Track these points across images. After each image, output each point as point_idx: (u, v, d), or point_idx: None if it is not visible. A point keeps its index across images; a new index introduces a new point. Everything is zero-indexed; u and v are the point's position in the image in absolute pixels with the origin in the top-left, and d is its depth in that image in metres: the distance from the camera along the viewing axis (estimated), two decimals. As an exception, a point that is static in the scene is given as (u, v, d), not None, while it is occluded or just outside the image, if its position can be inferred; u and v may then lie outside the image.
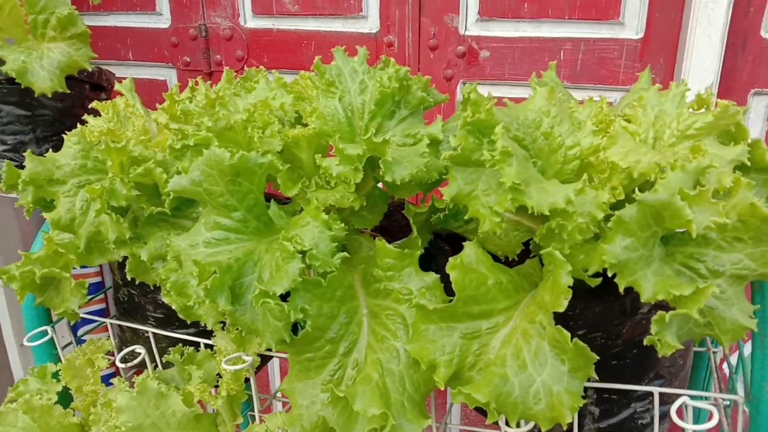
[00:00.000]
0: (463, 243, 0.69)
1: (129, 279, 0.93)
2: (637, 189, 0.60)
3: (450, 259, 0.67)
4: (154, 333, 1.00)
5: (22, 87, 1.14)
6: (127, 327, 1.05)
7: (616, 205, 0.62)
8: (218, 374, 0.94)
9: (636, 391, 0.74)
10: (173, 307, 0.84)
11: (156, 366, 1.03)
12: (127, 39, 2.00)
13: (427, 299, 0.72)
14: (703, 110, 0.71)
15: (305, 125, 0.81)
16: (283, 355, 0.81)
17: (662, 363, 0.75)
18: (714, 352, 0.89)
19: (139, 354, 0.99)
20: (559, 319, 0.62)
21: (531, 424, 0.69)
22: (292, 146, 0.79)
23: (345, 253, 0.74)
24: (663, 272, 0.59)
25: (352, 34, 1.73)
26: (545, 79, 0.85)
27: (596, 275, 0.64)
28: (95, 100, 1.04)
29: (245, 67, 1.86)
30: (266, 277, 0.71)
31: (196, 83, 1.02)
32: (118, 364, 1.00)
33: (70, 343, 1.17)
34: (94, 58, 1.25)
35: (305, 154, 0.80)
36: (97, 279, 2.04)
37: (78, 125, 1.00)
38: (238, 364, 0.86)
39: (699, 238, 0.62)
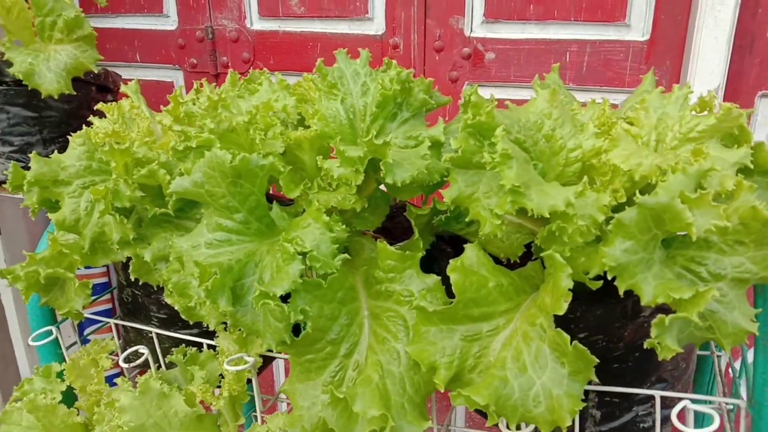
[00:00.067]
0: (464, 245, 0.69)
1: (133, 279, 0.94)
2: (638, 192, 0.60)
3: (450, 261, 0.67)
4: (157, 333, 1.01)
5: (29, 89, 1.16)
6: (131, 327, 1.06)
7: (618, 208, 0.62)
8: (221, 375, 0.94)
9: (638, 394, 0.73)
10: (176, 308, 0.84)
11: (159, 366, 1.03)
12: (134, 41, 2.01)
13: (427, 301, 0.72)
14: (706, 113, 0.70)
15: (308, 127, 0.82)
16: (286, 356, 0.81)
17: (664, 366, 0.74)
18: (718, 356, 0.89)
19: (143, 354, 1.00)
20: (561, 321, 0.62)
21: (531, 427, 0.69)
22: (294, 148, 0.80)
23: (346, 255, 0.74)
24: (663, 275, 0.59)
25: (357, 36, 1.74)
26: (548, 81, 0.85)
27: (597, 278, 0.64)
28: (101, 102, 1.05)
29: (251, 69, 1.87)
30: (267, 278, 0.71)
31: (201, 85, 1.02)
32: (121, 364, 1.01)
33: (74, 343, 1.18)
34: (101, 60, 1.26)
35: (307, 156, 0.80)
36: (104, 279, 2.05)
37: (84, 127, 1.01)
38: (240, 364, 0.87)
39: (700, 241, 0.62)
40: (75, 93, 1.20)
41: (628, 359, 0.72)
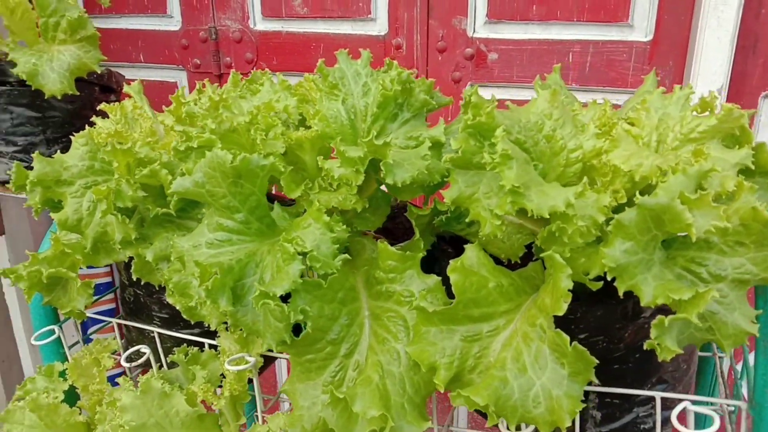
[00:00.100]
0: (465, 246, 0.69)
1: (135, 279, 0.94)
2: (639, 193, 0.60)
3: (450, 261, 0.67)
4: (159, 333, 1.01)
5: (33, 89, 1.16)
6: (133, 327, 1.06)
7: (619, 209, 0.62)
8: (222, 374, 0.95)
9: (638, 395, 0.73)
10: (177, 308, 0.85)
11: (161, 366, 1.04)
12: (138, 41, 2.02)
13: (428, 301, 0.72)
14: (707, 113, 0.70)
15: (309, 128, 0.82)
16: (287, 356, 0.81)
17: (665, 368, 0.74)
18: (720, 357, 0.88)
19: (144, 354, 1.00)
20: (561, 322, 0.62)
21: (531, 428, 0.69)
22: (295, 148, 0.80)
23: (346, 255, 0.74)
24: (663, 276, 0.59)
25: (360, 37, 1.74)
26: (548, 81, 0.85)
27: (598, 279, 0.64)
28: (104, 102, 1.05)
29: (254, 70, 1.87)
30: (267, 278, 0.71)
31: (203, 85, 1.02)
32: (123, 363, 1.01)
33: (77, 342, 1.18)
34: (104, 60, 1.26)
35: (308, 156, 0.80)
36: (108, 279, 2.06)
37: (87, 127, 1.01)
38: (241, 364, 0.87)
39: (700, 242, 0.62)
40: (78, 93, 1.21)
41: (629, 360, 0.72)
